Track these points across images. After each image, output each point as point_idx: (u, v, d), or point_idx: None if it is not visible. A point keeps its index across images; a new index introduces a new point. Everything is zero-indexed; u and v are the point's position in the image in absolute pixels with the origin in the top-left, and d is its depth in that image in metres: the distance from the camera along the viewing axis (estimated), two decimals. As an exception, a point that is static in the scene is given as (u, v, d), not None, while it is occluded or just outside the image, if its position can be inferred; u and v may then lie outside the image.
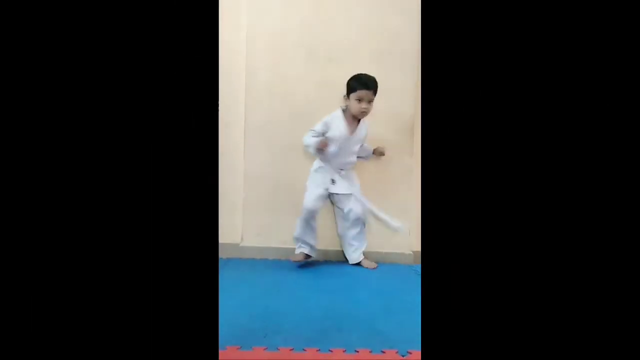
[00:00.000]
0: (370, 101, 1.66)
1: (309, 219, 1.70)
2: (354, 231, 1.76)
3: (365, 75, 1.65)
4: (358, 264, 1.77)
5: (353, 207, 1.74)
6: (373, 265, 1.75)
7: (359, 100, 1.64)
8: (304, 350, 0.95)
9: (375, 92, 1.67)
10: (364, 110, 1.65)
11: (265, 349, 0.95)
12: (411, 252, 1.84)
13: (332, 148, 1.69)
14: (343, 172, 1.75)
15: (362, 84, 1.63)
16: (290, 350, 0.95)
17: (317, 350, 0.95)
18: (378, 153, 1.82)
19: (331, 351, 0.95)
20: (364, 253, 1.78)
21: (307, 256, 1.72)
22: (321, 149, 1.67)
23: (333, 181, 1.74)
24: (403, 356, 0.95)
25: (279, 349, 0.95)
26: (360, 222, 1.76)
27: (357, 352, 0.96)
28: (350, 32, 1.83)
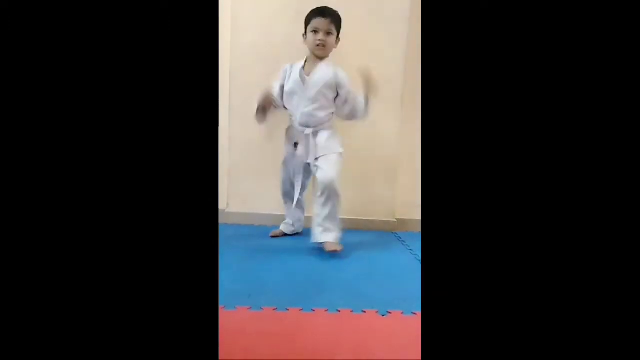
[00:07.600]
0: (328, 33, 1.38)
1: (287, 191, 1.58)
2: (323, 208, 1.40)
3: (324, 6, 1.42)
4: (321, 243, 1.42)
5: (322, 175, 1.40)
6: (338, 247, 1.40)
7: (315, 32, 1.39)
8: (287, 309, 0.98)
9: (334, 23, 1.40)
10: (319, 42, 1.37)
11: (249, 308, 0.97)
12: (395, 220, 1.88)
13: (286, 102, 1.43)
14: (308, 132, 1.43)
15: (316, 12, 1.39)
16: (274, 309, 0.97)
17: (299, 310, 0.98)
18: (365, 78, 1.37)
19: (314, 310, 0.98)
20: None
21: (285, 234, 1.63)
22: (263, 109, 1.35)
23: (296, 145, 1.46)
24: (383, 315, 0.98)
25: (262, 309, 0.97)
26: (331, 196, 1.39)
27: (339, 311, 0.98)
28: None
